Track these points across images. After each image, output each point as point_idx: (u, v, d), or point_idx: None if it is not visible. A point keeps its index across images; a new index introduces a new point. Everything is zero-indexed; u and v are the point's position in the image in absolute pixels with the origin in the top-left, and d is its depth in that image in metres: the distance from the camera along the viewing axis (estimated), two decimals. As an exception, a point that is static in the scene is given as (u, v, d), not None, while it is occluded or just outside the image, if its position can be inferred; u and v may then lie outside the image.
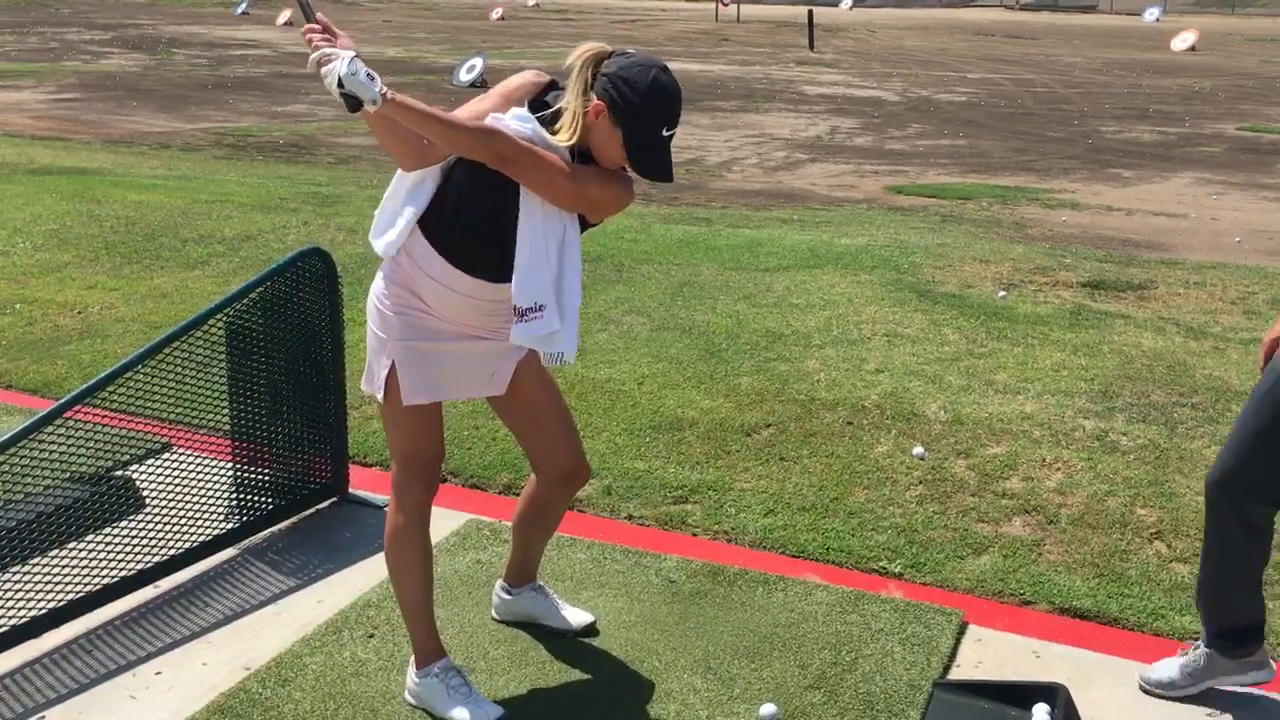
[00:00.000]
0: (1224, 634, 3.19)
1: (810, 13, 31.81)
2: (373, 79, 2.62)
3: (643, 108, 2.80)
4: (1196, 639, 3.30)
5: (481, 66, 20.14)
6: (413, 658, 3.20)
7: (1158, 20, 40.56)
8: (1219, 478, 3.09)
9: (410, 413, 3.04)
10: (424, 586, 3.15)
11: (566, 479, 3.27)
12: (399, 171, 2.96)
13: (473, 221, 2.91)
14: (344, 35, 2.72)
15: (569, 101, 2.84)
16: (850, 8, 48.73)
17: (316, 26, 2.69)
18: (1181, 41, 29.68)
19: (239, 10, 38.98)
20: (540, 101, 2.90)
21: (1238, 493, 3.06)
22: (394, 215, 2.97)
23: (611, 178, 2.89)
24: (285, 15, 34.55)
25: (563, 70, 2.91)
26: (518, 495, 3.58)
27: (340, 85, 2.61)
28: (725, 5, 40.72)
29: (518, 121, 2.83)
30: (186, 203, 9.24)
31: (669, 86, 2.83)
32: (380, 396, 3.07)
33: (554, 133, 2.83)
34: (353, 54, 2.63)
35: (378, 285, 3.05)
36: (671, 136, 2.86)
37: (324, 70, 2.62)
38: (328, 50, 2.63)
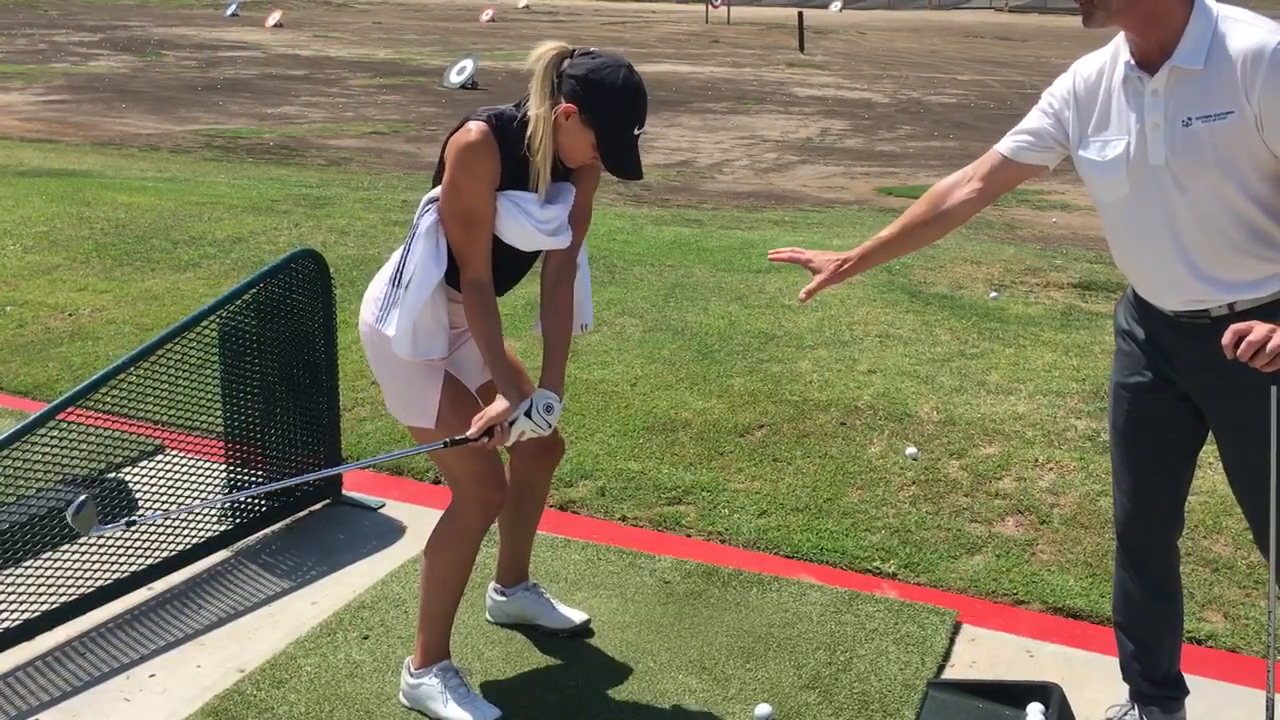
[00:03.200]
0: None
1: (800, 14, 31.85)
2: (549, 409, 2.94)
3: (616, 108, 2.84)
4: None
5: (472, 68, 20.13)
6: (409, 658, 3.20)
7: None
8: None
9: (466, 426, 2.96)
10: (461, 592, 3.18)
11: (544, 452, 3.33)
12: (428, 292, 2.94)
13: (512, 270, 3.08)
14: (489, 418, 2.89)
15: (534, 108, 2.85)
16: (840, 10, 48.81)
17: (484, 441, 2.91)
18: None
19: (228, 12, 38.92)
20: (505, 146, 2.87)
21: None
22: (435, 332, 3.00)
23: (591, 173, 3.04)
24: (275, 17, 34.50)
25: (526, 67, 2.92)
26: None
27: (545, 425, 2.95)
28: (715, 7, 40.76)
29: (550, 230, 2.93)
30: (177, 205, 9.22)
31: (639, 86, 2.88)
32: (434, 424, 3.02)
33: (527, 146, 2.88)
34: (517, 418, 2.91)
35: (405, 325, 3.00)
36: (640, 135, 2.90)
37: (529, 431, 2.93)
38: (513, 429, 2.91)
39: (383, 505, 4.34)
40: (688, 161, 13.67)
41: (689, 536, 4.18)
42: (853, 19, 43.56)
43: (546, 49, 2.87)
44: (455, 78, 20.11)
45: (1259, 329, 2.31)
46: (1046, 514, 4.26)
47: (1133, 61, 2.60)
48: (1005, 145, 2.82)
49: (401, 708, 3.18)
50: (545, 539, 3.96)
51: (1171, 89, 2.53)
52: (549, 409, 2.92)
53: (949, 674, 3.39)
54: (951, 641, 3.53)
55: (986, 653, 3.50)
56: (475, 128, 2.86)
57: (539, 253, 3.07)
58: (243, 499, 4.02)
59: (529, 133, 2.86)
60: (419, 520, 4.11)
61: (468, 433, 2.89)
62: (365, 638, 3.50)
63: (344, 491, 4.38)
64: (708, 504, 4.36)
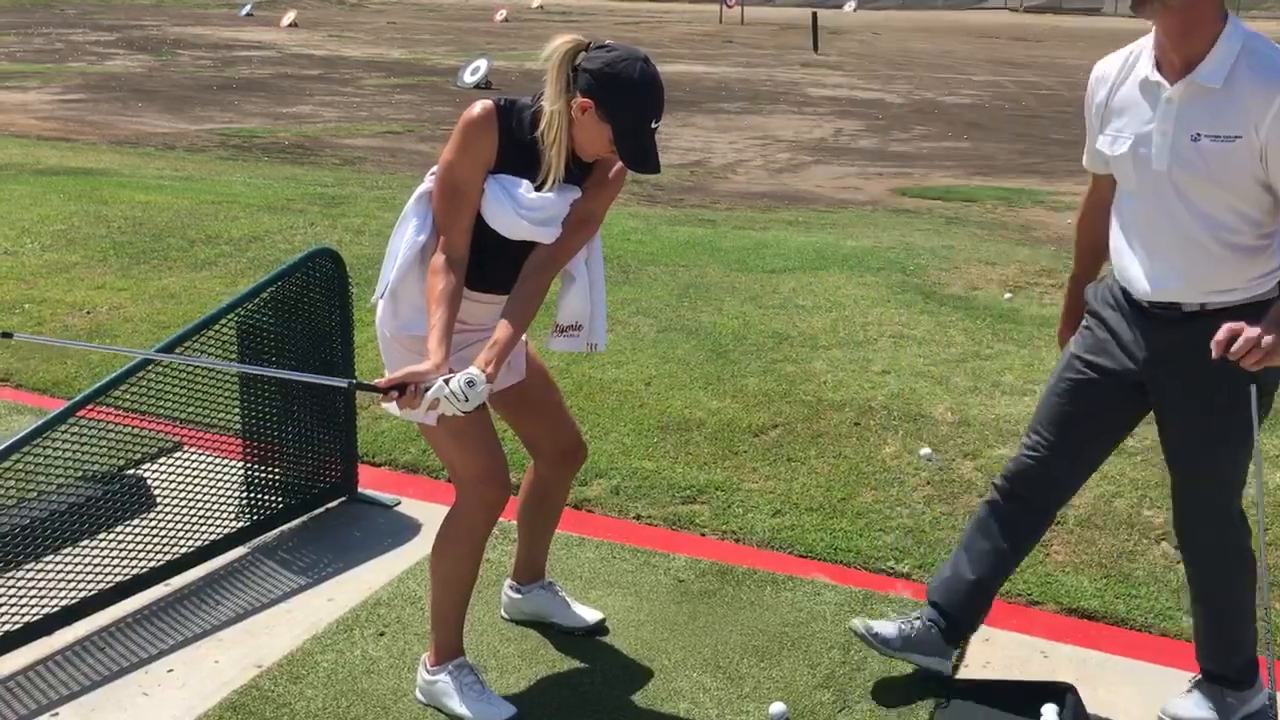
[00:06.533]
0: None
1: (814, 15, 31.83)
2: (471, 385, 2.74)
3: (633, 102, 2.81)
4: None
5: (485, 69, 20.17)
6: (425, 655, 3.22)
7: (1162, 23, 40.49)
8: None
9: (473, 423, 2.96)
10: (470, 590, 3.19)
11: (567, 457, 3.33)
12: (413, 255, 2.93)
13: (501, 261, 2.98)
14: (405, 371, 2.76)
15: (549, 103, 2.83)
16: (854, 10, 48.78)
17: (393, 395, 2.75)
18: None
19: (243, 11, 39.05)
20: (507, 131, 2.87)
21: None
22: (421, 308, 2.95)
23: (611, 185, 3.00)
24: (290, 16, 34.60)
25: (538, 67, 2.90)
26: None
27: (462, 399, 2.75)
28: (729, 7, 40.78)
29: (537, 219, 2.87)
30: (193, 203, 9.26)
31: (655, 79, 2.85)
32: (434, 419, 2.99)
33: (540, 139, 2.85)
34: (432, 384, 2.74)
35: (406, 321, 3.01)
36: (657, 128, 2.87)
37: (442, 406, 2.76)
38: (427, 395, 2.74)
39: (398, 503, 4.36)
40: (701, 161, 13.68)
41: (703, 535, 4.19)
42: (867, 19, 43.52)
43: (561, 42, 2.86)
44: (469, 78, 20.15)
45: (1251, 329, 2.45)
46: (1061, 515, 4.25)
47: (1155, 66, 2.68)
48: (1086, 161, 2.99)
49: (418, 704, 3.20)
50: (560, 537, 3.97)
51: (1186, 101, 2.62)
52: (471, 384, 2.75)
53: (963, 674, 3.40)
54: (966, 641, 3.53)
55: (1001, 653, 3.50)
56: (480, 105, 2.89)
57: (529, 250, 2.97)
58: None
59: (542, 126, 2.85)
60: (434, 518, 4.10)
61: (377, 382, 2.80)
62: (381, 634, 3.52)
63: (360, 489, 4.40)
64: (722, 503, 4.37)
